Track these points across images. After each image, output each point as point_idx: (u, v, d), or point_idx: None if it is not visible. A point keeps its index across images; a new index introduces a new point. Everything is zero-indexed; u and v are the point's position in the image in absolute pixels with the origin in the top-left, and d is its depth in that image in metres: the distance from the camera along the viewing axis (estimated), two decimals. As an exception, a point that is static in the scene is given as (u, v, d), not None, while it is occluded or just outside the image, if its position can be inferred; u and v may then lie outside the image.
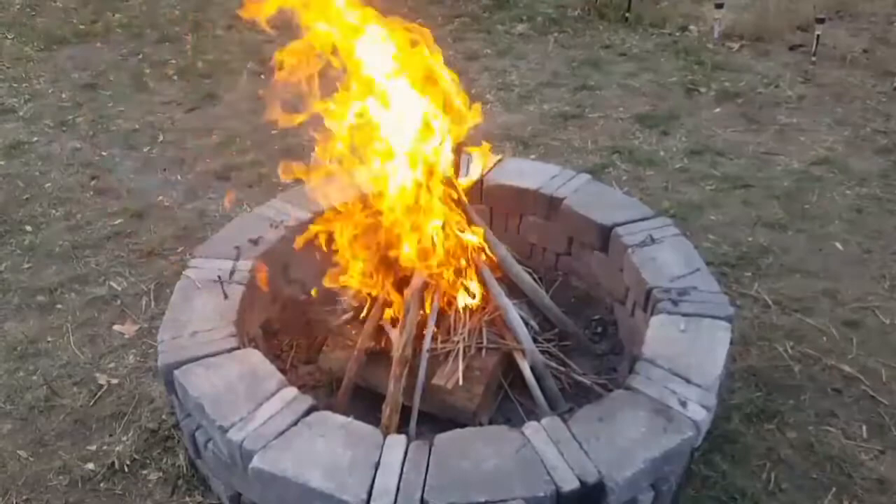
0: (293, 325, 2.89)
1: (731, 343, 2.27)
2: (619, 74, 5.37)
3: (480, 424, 2.33)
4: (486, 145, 2.92)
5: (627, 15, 6.28)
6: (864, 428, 2.54)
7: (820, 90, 5.01)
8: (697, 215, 3.70)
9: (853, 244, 3.47)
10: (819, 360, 2.81)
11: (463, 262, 2.54)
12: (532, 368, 2.45)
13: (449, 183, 2.44)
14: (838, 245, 3.47)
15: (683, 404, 2.04)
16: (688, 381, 2.11)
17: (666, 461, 1.96)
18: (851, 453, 2.44)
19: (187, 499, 2.36)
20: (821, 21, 5.34)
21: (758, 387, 2.68)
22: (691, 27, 6.10)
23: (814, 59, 5.35)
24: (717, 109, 4.82)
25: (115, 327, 3.08)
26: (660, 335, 2.27)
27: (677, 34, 6.02)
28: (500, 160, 3.13)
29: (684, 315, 2.33)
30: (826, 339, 2.91)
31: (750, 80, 5.17)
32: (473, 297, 2.54)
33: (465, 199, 2.55)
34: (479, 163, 2.98)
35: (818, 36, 5.33)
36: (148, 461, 2.48)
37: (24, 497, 2.38)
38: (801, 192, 3.87)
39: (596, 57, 5.67)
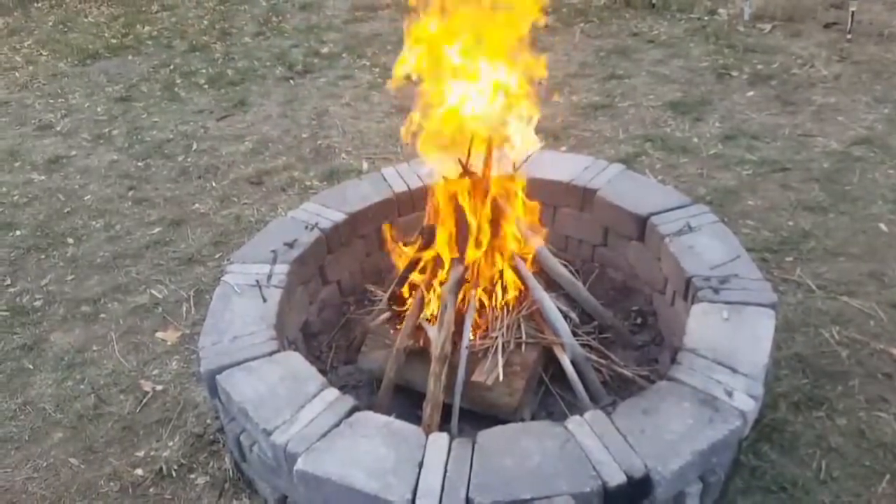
0: (332, 326, 2.91)
1: (776, 330, 2.22)
2: (649, 62, 5.30)
3: (522, 420, 2.31)
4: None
5: (654, 1, 6.19)
6: (917, 413, 2.47)
7: (857, 68, 4.88)
8: (735, 201, 3.64)
9: (898, 224, 3.38)
10: (867, 345, 2.73)
11: (499, 258, 2.53)
12: (572, 362, 2.43)
13: (476, 177, 2.43)
14: (882, 226, 3.38)
15: (729, 394, 2.00)
16: (733, 370, 2.07)
17: (713, 453, 1.93)
18: (905, 439, 2.38)
19: (235, 502, 2.39)
20: (855, -3, 5.22)
21: (805, 374, 2.63)
22: (720, 10, 5.99)
23: (849, 36, 5.22)
24: (751, 93, 4.72)
25: (158, 334, 3.13)
26: (702, 324, 2.24)
27: (706, 18, 5.92)
28: (533, 153, 3.09)
29: (726, 303, 2.29)
30: (873, 323, 2.84)
31: (783, 62, 5.06)
32: (510, 291, 2.52)
33: (496, 194, 2.53)
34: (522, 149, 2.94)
35: (853, 12, 5.19)
36: (195, 466, 2.52)
37: (77, 504, 2.44)
38: (841, 174, 3.78)
39: (624, 45, 5.60)
